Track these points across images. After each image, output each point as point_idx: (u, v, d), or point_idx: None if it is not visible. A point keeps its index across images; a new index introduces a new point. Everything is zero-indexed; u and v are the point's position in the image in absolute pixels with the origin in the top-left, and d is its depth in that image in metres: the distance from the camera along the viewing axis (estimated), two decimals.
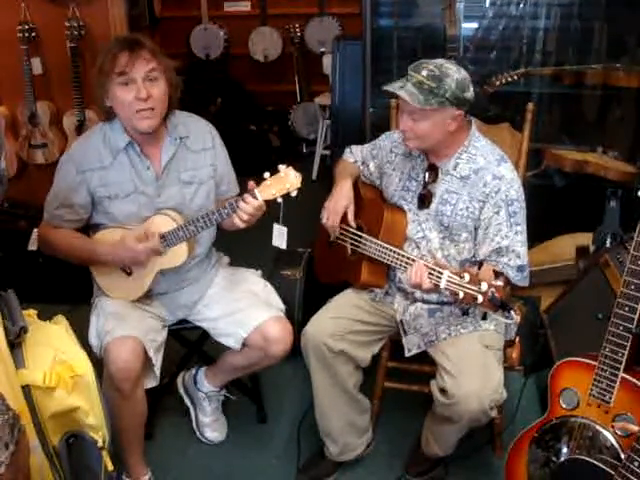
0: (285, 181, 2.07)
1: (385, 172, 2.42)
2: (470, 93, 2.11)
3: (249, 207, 2.11)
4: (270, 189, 2.09)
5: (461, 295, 1.86)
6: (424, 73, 2.07)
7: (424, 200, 2.28)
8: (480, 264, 1.90)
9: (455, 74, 2.08)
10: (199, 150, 2.40)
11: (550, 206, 3.26)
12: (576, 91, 3.66)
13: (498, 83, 3.26)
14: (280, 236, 2.29)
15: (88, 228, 2.39)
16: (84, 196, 2.30)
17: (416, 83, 2.07)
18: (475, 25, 3.82)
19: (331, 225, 2.38)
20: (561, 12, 3.74)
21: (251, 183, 2.13)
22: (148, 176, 2.31)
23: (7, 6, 3.59)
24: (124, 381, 2.19)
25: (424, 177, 2.28)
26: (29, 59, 3.64)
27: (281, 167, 2.08)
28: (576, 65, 3.57)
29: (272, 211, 2.17)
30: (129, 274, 2.37)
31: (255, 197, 2.10)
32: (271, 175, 2.09)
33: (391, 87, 2.12)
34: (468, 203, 2.20)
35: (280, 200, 2.11)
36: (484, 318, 2.02)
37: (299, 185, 2.08)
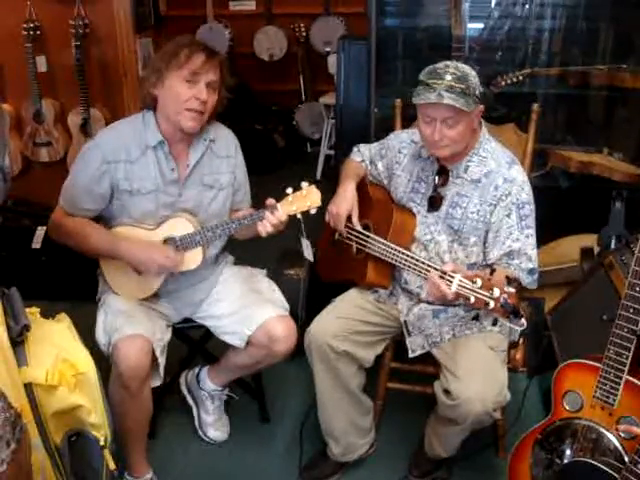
0: (307, 199, 2.15)
1: (394, 173, 2.40)
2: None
3: (274, 219, 2.17)
4: (291, 205, 2.16)
5: (472, 300, 1.85)
6: (449, 77, 2.03)
7: (434, 203, 2.27)
8: (492, 269, 1.89)
9: (471, 71, 2.09)
10: (224, 156, 2.42)
11: (555, 207, 3.24)
12: (582, 92, 3.64)
13: (503, 83, 3.25)
14: (307, 248, 2.39)
15: (100, 220, 2.37)
16: (106, 186, 2.29)
17: (448, 88, 2.02)
18: (481, 25, 3.81)
19: (338, 230, 2.39)
20: (567, 13, 3.74)
21: (271, 200, 2.18)
22: (171, 177, 2.31)
23: (12, 4, 3.59)
24: (133, 379, 2.19)
25: (434, 180, 2.27)
26: (34, 57, 3.63)
27: (304, 184, 2.15)
28: (582, 66, 3.56)
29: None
30: (140, 273, 2.36)
31: (278, 211, 2.17)
32: (293, 191, 2.16)
33: (427, 99, 2.04)
34: (479, 206, 2.19)
35: (299, 216, 2.18)
36: (494, 324, 2.01)
37: (319, 204, 2.16)
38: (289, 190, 2.16)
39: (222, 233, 2.26)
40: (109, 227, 2.35)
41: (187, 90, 2.20)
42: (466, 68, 2.09)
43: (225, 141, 2.44)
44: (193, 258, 2.30)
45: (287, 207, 2.16)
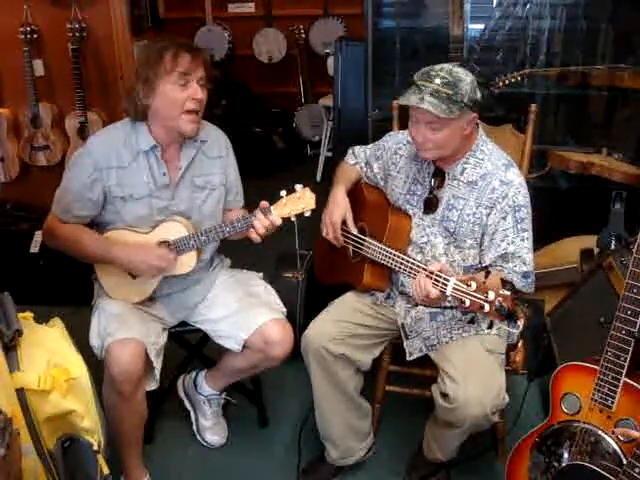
0: (301, 202, 2.13)
1: (390, 174, 2.39)
2: (479, 94, 2.08)
3: (268, 222, 2.15)
4: (285, 208, 2.14)
5: (467, 303, 1.84)
6: (438, 81, 2.02)
7: (430, 205, 2.25)
8: (487, 272, 1.87)
9: (466, 77, 2.05)
10: (214, 157, 2.41)
11: (554, 208, 3.24)
12: (581, 92, 3.63)
13: (502, 84, 3.24)
14: None
15: (94, 226, 2.37)
16: (98, 193, 2.28)
17: (433, 92, 2.01)
18: (480, 26, 3.80)
19: (332, 238, 2.38)
20: (567, 13, 3.72)
21: (264, 203, 2.16)
22: (163, 181, 2.31)
23: (9, 8, 3.58)
24: (125, 383, 2.18)
25: (430, 182, 2.25)
26: (31, 61, 3.62)
27: (298, 187, 2.14)
28: (581, 66, 3.55)
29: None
30: (134, 277, 2.35)
31: (271, 214, 2.15)
32: (287, 194, 2.14)
33: (408, 100, 2.05)
34: (475, 209, 2.18)
35: (294, 219, 2.16)
36: (490, 327, 2.00)
37: (314, 206, 2.14)
38: (283, 193, 2.14)
39: (216, 237, 2.25)
40: (103, 232, 2.34)
41: (181, 93, 2.19)
42: (460, 74, 2.05)
43: (216, 142, 2.43)
44: (187, 261, 2.30)
45: (281, 210, 2.15)
